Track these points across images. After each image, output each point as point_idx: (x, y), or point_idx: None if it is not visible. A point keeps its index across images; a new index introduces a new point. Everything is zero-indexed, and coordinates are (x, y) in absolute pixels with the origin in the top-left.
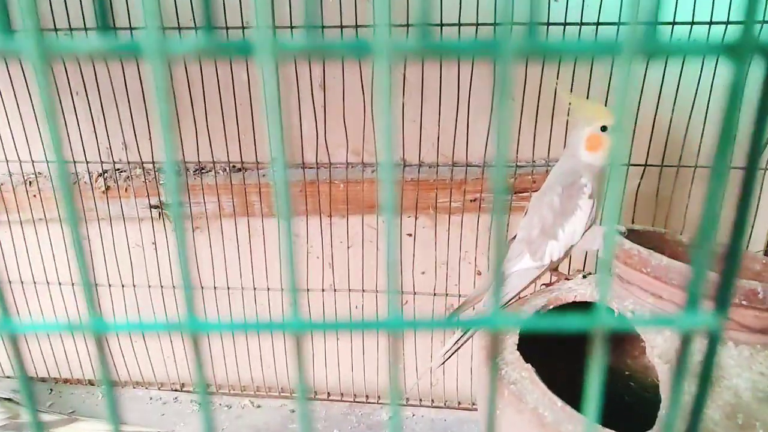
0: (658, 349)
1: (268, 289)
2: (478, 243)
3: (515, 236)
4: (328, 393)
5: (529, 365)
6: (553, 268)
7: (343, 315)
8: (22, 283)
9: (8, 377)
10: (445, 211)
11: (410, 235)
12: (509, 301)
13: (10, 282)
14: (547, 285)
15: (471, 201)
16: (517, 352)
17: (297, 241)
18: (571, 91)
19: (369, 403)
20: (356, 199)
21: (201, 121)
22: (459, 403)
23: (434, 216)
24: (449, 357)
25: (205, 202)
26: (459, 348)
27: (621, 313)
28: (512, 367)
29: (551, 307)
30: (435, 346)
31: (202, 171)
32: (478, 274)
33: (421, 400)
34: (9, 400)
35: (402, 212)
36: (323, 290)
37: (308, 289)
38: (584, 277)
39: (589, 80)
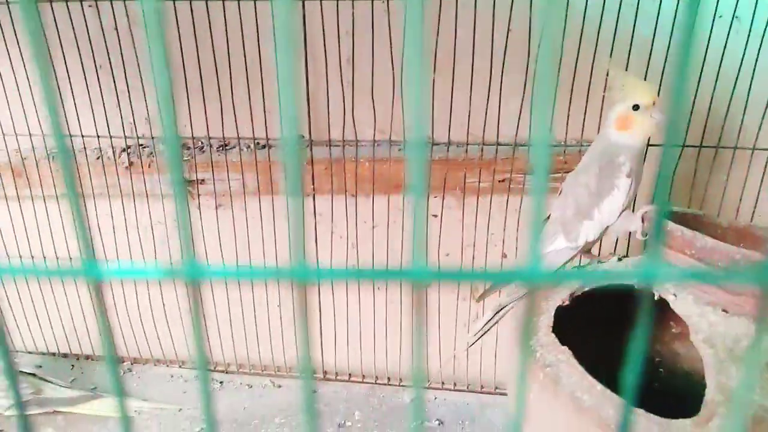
0: (703, 334)
1: None
2: (506, 225)
3: (548, 217)
4: (350, 374)
5: (565, 348)
6: (586, 249)
7: (365, 294)
8: (44, 258)
9: (30, 353)
10: (473, 191)
11: (436, 216)
12: None
13: (32, 258)
14: (578, 268)
15: (500, 181)
16: (552, 335)
17: (321, 220)
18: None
19: (391, 385)
20: (382, 178)
21: (226, 95)
22: (482, 387)
23: (461, 197)
24: (480, 337)
25: (228, 179)
26: (490, 328)
27: (662, 297)
28: (547, 349)
29: (586, 289)
30: (459, 332)
31: (226, 147)
32: (504, 257)
33: (443, 383)
34: (32, 375)
35: (429, 192)
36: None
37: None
38: (619, 260)
39: (628, 56)
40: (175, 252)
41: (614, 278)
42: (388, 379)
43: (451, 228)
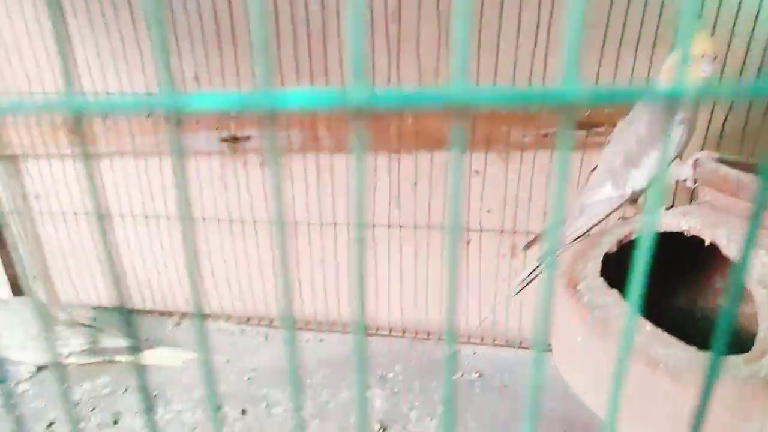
0: (756, 275)
1: (335, 224)
2: (549, 180)
3: (595, 167)
4: (390, 329)
5: (614, 290)
6: (633, 200)
7: (408, 251)
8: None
9: (86, 306)
10: (518, 147)
11: (478, 172)
12: (587, 231)
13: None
14: (624, 219)
15: (543, 136)
16: (601, 278)
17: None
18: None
19: (430, 339)
20: (425, 134)
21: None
22: (521, 343)
23: (505, 153)
24: (523, 287)
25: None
26: (534, 279)
27: (713, 242)
28: (596, 293)
29: (633, 237)
30: (500, 288)
31: None
32: (544, 215)
33: (482, 338)
34: (89, 326)
35: (471, 148)
36: (389, 227)
37: (373, 225)
38: (668, 209)
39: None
40: (221, 209)
41: (660, 226)
42: (428, 334)
43: (494, 184)
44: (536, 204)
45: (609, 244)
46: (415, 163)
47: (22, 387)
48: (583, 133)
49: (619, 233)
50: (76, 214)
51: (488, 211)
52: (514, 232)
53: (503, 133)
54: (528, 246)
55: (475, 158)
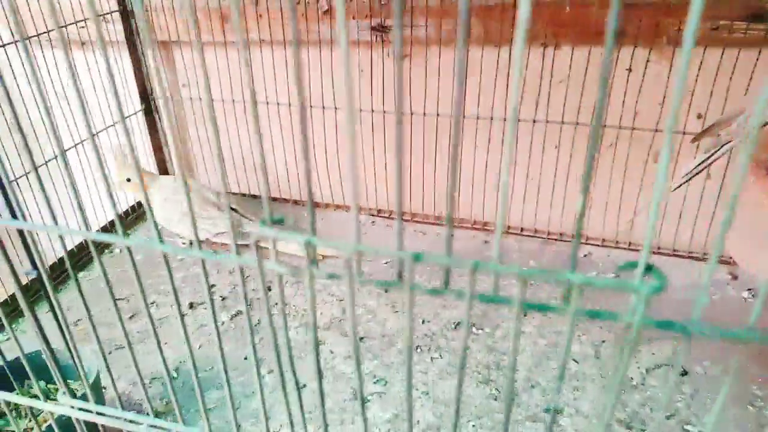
0: None
1: (478, 117)
2: (716, 81)
3: None
4: (522, 228)
5: None
6: None
7: (537, 147)
8: (233, 101)
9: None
10: (678, 42)
11: (629, 69)
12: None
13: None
14: None
15: (713, 29)
16: None
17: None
18: None
19: (563, 240)
20: (582, 24)
21: None
22: (675, 250)
23: (670, 48)
24: (688, 180)
25: (411, 26)
26: (700, 172)
27: None
28: None
29: None
30: (644, 189)
31: None
32: (698, 117)
33: (617, 242)
34: (234, 210)
35: (628, 42)
36: (534, 121)
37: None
38: None
39: None
40: (364, 100)
41: None
42: (561, 234)
43: (652, 83)
44: (693, 105)
45: None
46: (570, 57)
47: (179, 255)
48: (763, 28)
49: None
50: (224, 101)
51: (636, 113)
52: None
53: (668, 24)
54: (698, 138)
55: (630, 54)
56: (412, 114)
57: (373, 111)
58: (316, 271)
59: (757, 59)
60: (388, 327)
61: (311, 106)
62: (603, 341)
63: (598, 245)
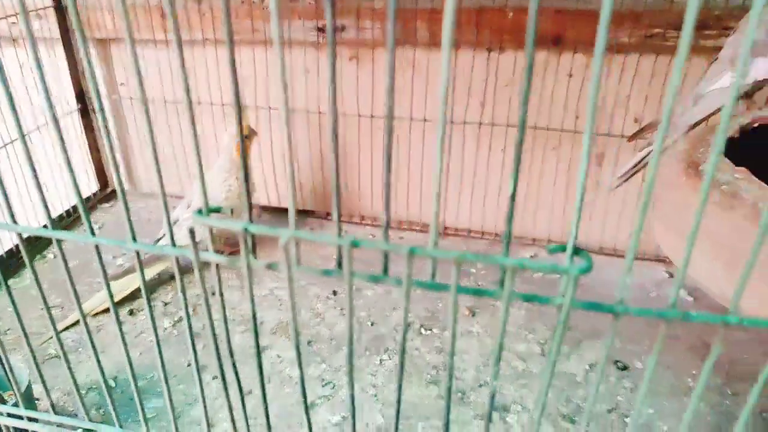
0: None
1: (425, 120)
2: (651, 84)
3: (716, 58)
4: (470, 230)
5: (743, 168)
6: (749, 94)
7: (484, 149)
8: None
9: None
10: (621, 49)
11: (571, 75)
12: (701, 120)
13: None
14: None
15: (647, 37)
16: (727, 159)
17: (457, 74)
18: None
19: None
20: (523, 30)
21: None
22: (601, 249)
23: (606, 54)
24: (625, 180)
25: (358, 28)
26: (637, 171)
27: None
28: (721, 172)
29: (756, 125)
30: (588, 189)
31: None
32: (634, 122)
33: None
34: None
35: (567, 48)
36: (480, 124)
37: (465, 123)
38: None
39: None
40: (311, 100)
41: None
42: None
43: (587, 89)
44: (622, 110)
45: (731, 130)
46: (514, 62)
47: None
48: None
49: (741, 122)
50: (166, 102)
51: (577, 118)
52: (608, 135)
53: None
54: (634, 136)
55: (569, 60)
56: (359, 117)
57: (320, 113)
58: (253, 260)
59: (688, 66)
60: (336, 330)
61: (257, 107)
62: (548, 340)
63: (543, 246)
